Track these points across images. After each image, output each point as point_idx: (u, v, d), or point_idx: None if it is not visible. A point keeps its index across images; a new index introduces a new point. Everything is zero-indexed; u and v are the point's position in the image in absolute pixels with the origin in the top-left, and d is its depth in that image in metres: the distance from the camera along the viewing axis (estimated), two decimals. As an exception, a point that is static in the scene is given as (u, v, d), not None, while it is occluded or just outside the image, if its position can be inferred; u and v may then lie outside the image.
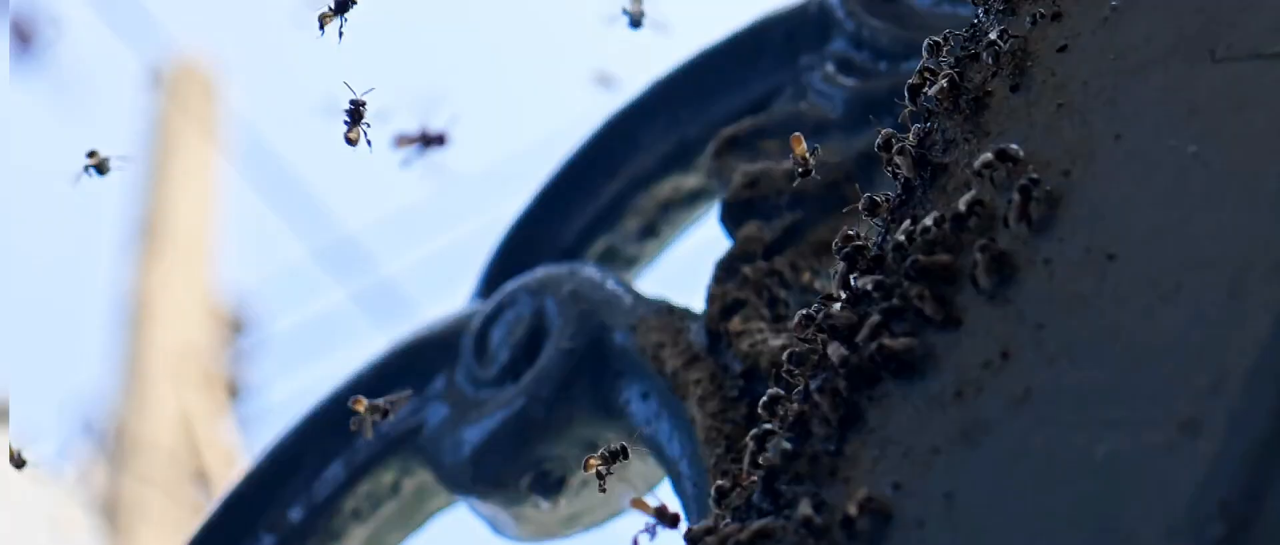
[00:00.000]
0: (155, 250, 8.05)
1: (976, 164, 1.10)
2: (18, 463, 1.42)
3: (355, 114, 1.37)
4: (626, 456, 1.30)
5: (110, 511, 7.30)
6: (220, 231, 8.34)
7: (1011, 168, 1.10)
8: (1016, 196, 1.08)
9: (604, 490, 1.32)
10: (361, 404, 1.39)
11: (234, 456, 7.47)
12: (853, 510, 1.04)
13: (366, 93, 1.37)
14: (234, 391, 7.97)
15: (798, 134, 1.31)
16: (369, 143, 1.38)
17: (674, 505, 1.19)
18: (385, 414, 1.40)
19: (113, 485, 7.38)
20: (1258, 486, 0.96)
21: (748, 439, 1.14)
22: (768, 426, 1.13)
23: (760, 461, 1.11)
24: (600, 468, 1.29)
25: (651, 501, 1.17)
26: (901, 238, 1.11)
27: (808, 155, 1.28)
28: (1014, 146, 1.11)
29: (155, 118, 8.35)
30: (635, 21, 1.54)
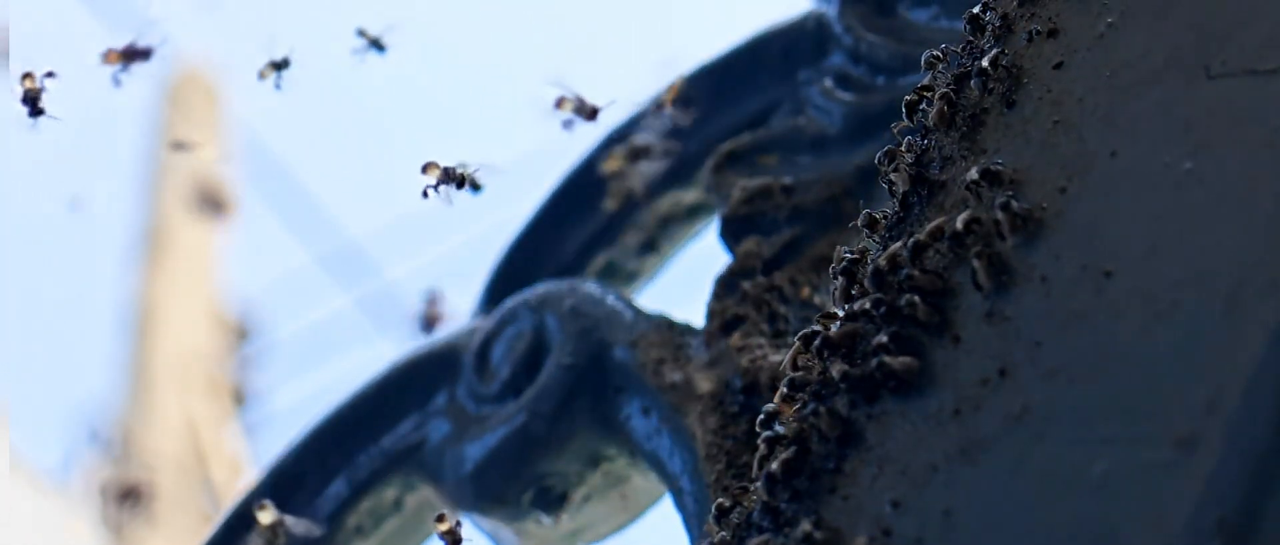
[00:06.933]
0: (159, 257, 8.04)
1: (965, 179, 1.11)
2: None
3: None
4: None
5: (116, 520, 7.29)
6: (224, 238, 8.33)
7: (1000, 185, 1.10)
8: (1000, 214, 1.09)
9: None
10: (267, 513, 1.36)
11: (240, 463, 7.46)
12: None
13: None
14: (240, 398, 7.96)
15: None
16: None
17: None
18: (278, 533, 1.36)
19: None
20: (1255, 503, 0.96)
21: (759, 441, 1.14)
22: (779, 429, 1.12)
23: (766, 468, 1.11)
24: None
25: None
26: (884, 264, 1.11)
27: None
28: (997, 164, 1.11)
29: (158, 124, 8.34)
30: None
